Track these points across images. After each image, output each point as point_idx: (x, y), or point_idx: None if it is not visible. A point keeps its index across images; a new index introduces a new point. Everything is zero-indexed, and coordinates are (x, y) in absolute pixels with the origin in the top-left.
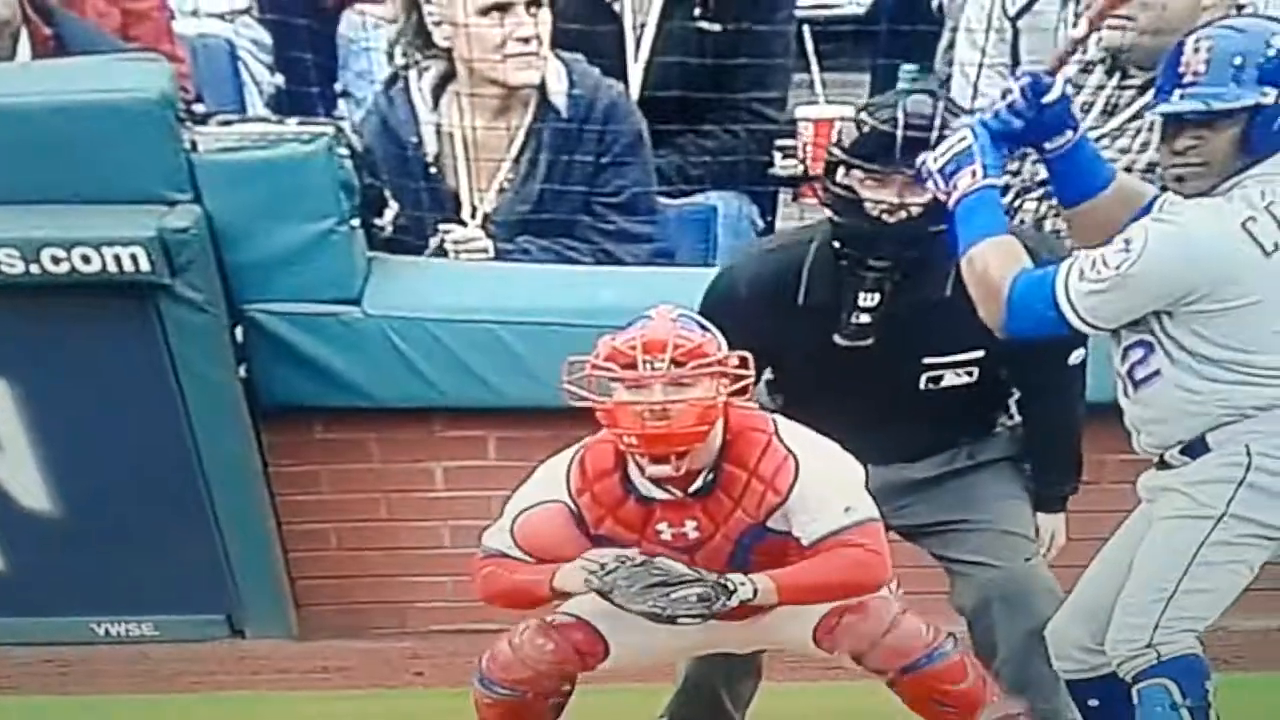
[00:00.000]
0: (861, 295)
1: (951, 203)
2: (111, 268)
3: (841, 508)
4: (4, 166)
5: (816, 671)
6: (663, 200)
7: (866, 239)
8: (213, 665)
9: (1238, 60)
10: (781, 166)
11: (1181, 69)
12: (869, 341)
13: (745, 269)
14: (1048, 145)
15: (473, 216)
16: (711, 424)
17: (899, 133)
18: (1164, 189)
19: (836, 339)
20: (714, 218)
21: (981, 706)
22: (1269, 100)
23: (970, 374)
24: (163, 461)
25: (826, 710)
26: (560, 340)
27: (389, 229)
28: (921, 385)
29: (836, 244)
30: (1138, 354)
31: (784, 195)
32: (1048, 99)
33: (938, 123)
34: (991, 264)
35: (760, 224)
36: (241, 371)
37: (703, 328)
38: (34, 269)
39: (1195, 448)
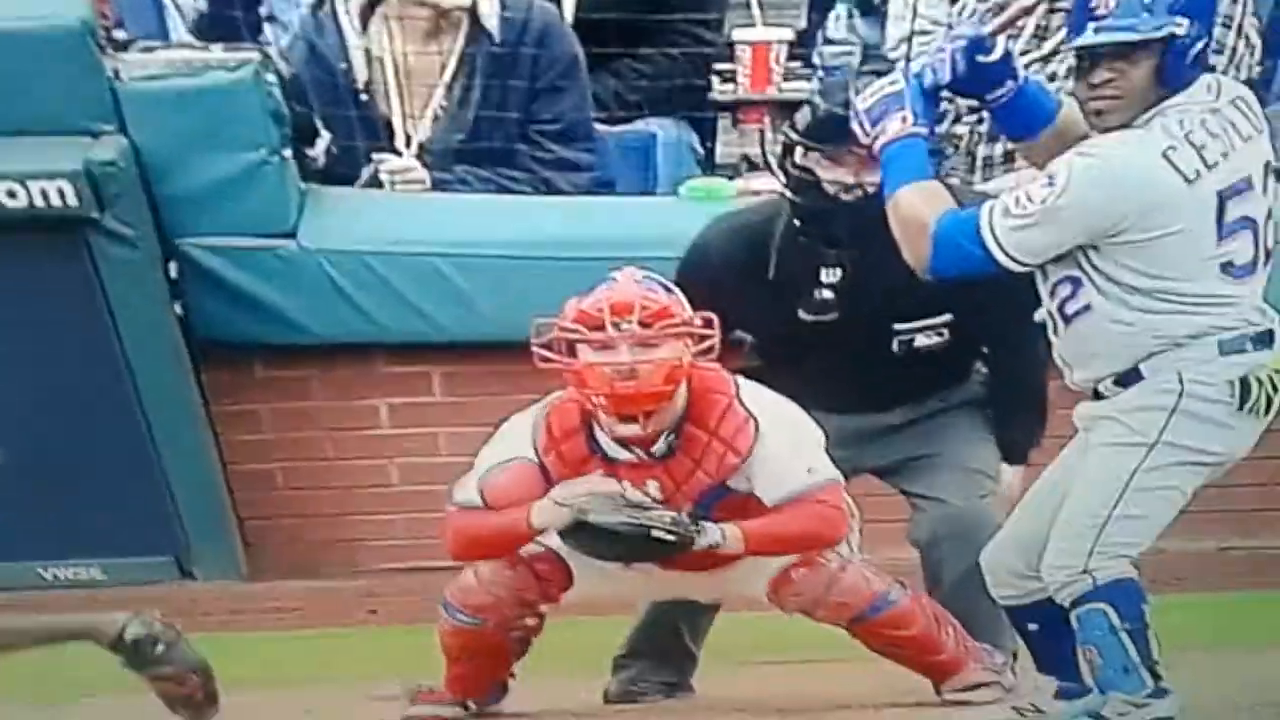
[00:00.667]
0: (824, 271)
1: (877, 147)
2: (39, 203)
3: (804, 469)
4: None
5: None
6: (601, 128)
7: (825, 217)
8: (163, 608)
9: None
10: (720, 91)
11: (1094, 3)
12: (834, 316)
13: (716, 242)
14: (988, 96)
15: (407, 145)
16: (678, 383)
17: (851, 114)
18: None
19: (801, 314)
20: (654, 145)
21: (937, 647)
22: (1182, 31)
23: (941, 334)
24: (102, 402)
25: (781, 635)
26: (501, 272)
27: (321, 159)
28: (894, 348)
29: (797, 222)
30: (1066, 290)
31: (723, 121)
32: (987, 60)
33: None
34: (918, 205)
35: (700, 151)
36: (177, 309)
37: (667, 289)
38: None
39: (1128, 377)
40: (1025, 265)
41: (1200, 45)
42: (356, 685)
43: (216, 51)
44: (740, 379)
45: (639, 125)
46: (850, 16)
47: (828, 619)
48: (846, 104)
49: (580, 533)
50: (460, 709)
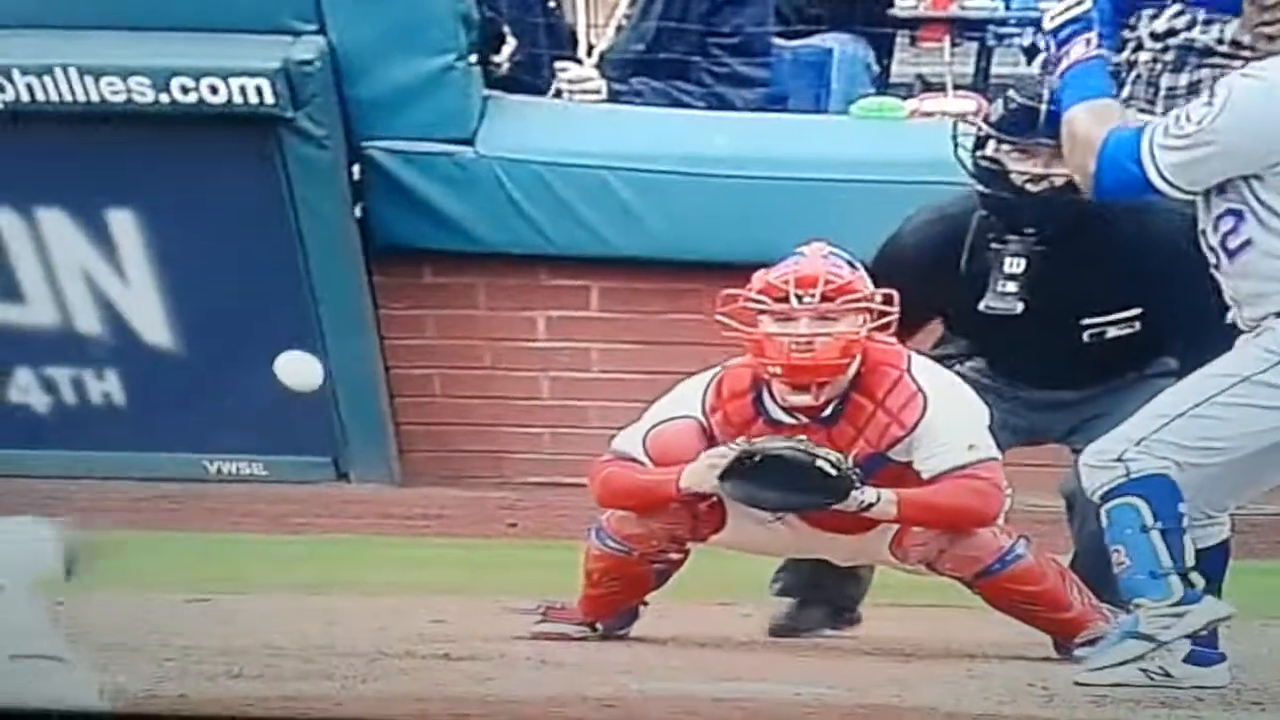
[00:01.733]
0: (1008, 261)
1: (1061, 69)
2: (237, 99)
3: (965, 445)
4: None
5: None
6: (779, 41)
7: (1012, 209)
8: (318, 508)
9: None
10: (900, 7)
11: None
12: (1018, 308)
13: (912, 236)
14: None
15: (589, 55)
16: (853, 357)
17: (1043, 106)
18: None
19: (983, 306)
20: (829, 61)
21: (1065, 603)
22: None
23: (1133, 325)
24: (279, 299)
25: (907, 580)
26: (669, 188)
27: (506, 66)
28: (1085, 339)
29: (983, 213)
30: (1229, 223)
31: (901, 39)
32: None
33: None
34: (1089, 123)
35: (876, 68)
36: (357, 211)
37: (851, 264)
38: (164, 98)
39: None
40: (1183, 191)
41: None
42: (490, 596)
43: None
44: (914, 354)
45: (816, 40)
46: None
47: (953, 572)
48: (1039, 97)
49: (740, 477)
50: (589, 629)
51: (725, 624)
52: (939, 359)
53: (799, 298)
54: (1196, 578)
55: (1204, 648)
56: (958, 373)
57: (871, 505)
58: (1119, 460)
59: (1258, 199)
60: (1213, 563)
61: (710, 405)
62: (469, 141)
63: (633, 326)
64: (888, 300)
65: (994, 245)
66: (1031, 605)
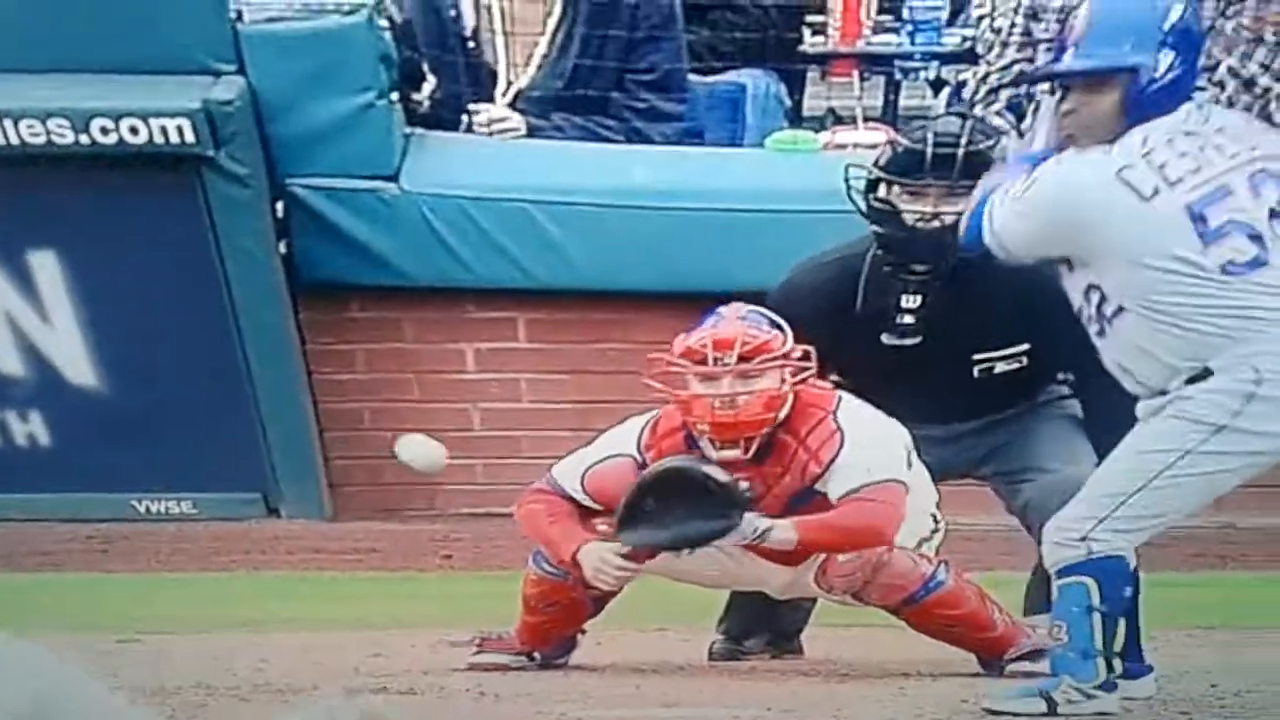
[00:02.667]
0: (905, 298)
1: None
2: (158, 139)
3: (864, 468)
4: (53, 34)
5: None
6: (693, 78)
7: (905, 246)
8: (248, 545)
9: (1116, 24)
10: (810, 44)
11: (1067, 31)
12: (915, 341)
13: (804, 281)
14: None
15: (505, 93)
16: (776, 412)
17: (928, 150)
18: None
19: (884, 338)
20: (744, 96)
21: (989, 623)
22: (1154, 64)
23: (1021, 361)
24: (205, 337)
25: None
26: (592, 220)
27: (426, 104)
28: (975, 374)
29: (880, 251)
30: (1096, 295)
31: (811, 74)
32: None
33: (964, 140)
34: (991, 175)
35: (788, 102)
36: (281, 247)
37: (772, 324)
38: (84, 139)
39: (1199, 377)
40: (1007, 251)
41: (1175, 77)
42: (427, 629)
43: None
44: (846, 396)
45: (730, 76)
46: None
47: (879, 602)
48: (924, 140)
49: (634, 524)
50: (526, 659)
51: (663, 649)
52: None
53: (717, 359)
54: (1118, 664)
55: (1132, 663)
56: None
57: (768, 531)
58: (1083, 540)
59: (1105, 279)
60: (1136, 588)
61: (645, 443)
62: (392, 178)
63: (561, 357)
64: (805, 356)
65: (891, 282)
66: (956, 628)
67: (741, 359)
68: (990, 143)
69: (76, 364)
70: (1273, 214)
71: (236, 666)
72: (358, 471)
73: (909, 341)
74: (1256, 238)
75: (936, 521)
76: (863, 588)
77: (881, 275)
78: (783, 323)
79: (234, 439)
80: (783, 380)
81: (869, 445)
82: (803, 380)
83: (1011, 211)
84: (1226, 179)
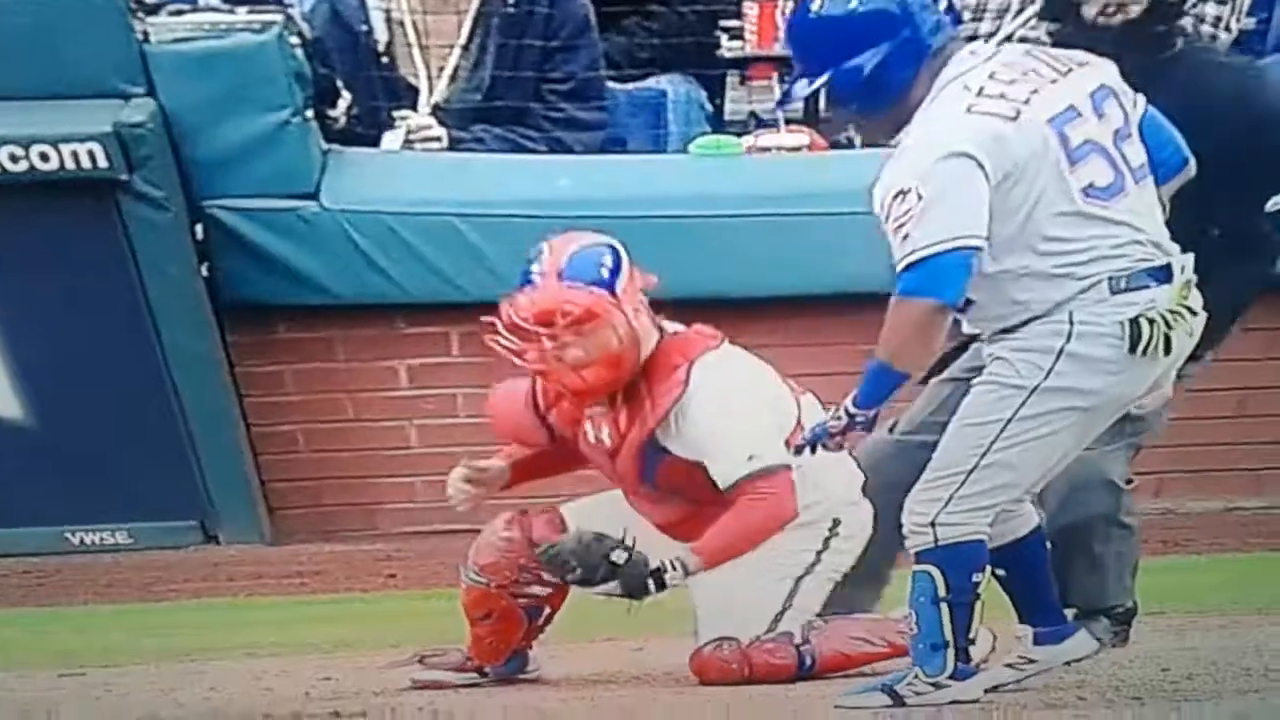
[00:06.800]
0: None
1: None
2: (70, 165)
3: (745, 456)
4: None
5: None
6: (613, 85)
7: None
8: (187, 572)
9: (812, 43)
10: (728, 48)
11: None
12: None
13: None
14: None
15: (424, 105)
16: (626, 365)
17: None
18: None
19: None
20: (665, 102)
21: (887, 655)
22: (862, 61)
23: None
24: (130, 365)
25: None
26: (517, 231)
27: (342, 120)
28: None
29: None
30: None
31: (731, 78)
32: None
33: None
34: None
35: (709, 107)
36: (203, 270)
37: (595, 276)
38: None
39: (1014, 328)
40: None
41: (885, 59)
42: (376, 650)
43: (242, 14)
44: (718, 352)
45: (650, 83)
46: None
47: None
48: None
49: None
50: (476, 674)
51: (617, 660)
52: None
53: (541, 336)
54: (972, 652)
55: (1053, 626)
56: None
57: (675, 573)
58: (930, 525)
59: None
60: (1032, 552)
61: (545, 402)
62: (312, 195)
63: (496, 369)
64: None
65: None
66: (862, 667)
67: (568, 328)
68: None
69: (1, 397)
70: (1117, 135)
71: (183, 697)
72: (295, 494)
73: None
74: (1112, 162)
75: (836, 524)
76: (748, 679)
77: None
78: (608, 269)
79: (166, 466)
80: (619, 338)
81: (736, 420)
82: (637, 323)
83: (914, 220)
84: (1069, 99)
